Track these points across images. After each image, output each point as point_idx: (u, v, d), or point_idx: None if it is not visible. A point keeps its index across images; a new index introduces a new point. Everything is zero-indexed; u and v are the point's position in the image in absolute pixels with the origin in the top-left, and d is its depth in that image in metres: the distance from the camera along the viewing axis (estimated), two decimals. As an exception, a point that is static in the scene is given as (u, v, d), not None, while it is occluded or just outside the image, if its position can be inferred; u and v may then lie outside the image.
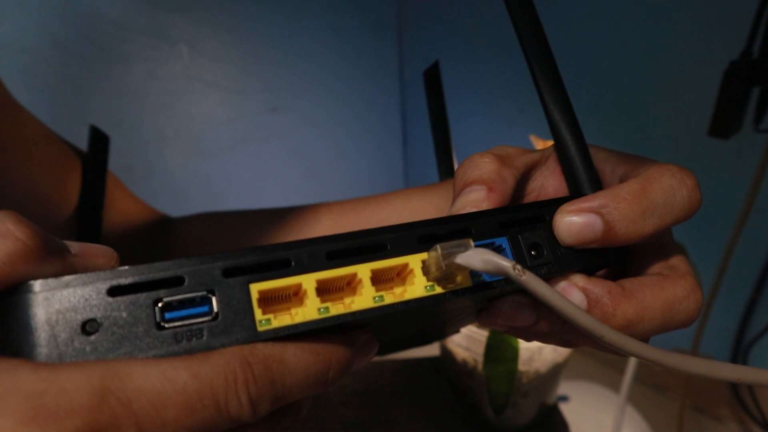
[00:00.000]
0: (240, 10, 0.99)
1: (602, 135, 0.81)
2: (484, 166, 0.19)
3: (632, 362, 0.60)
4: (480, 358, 0.49)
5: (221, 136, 1.05)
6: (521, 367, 0.49)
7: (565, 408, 0.62)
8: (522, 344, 0.47)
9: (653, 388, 0.94)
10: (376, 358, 0.55)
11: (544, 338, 0.21)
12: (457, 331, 0.35)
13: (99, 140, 0.39)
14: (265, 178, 1.13)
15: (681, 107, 0.73)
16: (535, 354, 0.48)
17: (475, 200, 0.19)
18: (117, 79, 0.90)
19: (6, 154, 0.33)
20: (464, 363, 0.52)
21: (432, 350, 0.60)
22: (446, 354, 0.54)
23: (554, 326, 0.19)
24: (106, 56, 0.88)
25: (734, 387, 0.83)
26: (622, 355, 0.18)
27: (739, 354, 0.82)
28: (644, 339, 0.19)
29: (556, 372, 0.52)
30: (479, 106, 1.07)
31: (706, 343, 0.78)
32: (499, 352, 0.47)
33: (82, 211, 0.37)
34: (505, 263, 0.15)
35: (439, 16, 1.10)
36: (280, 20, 1.04)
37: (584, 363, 0.97)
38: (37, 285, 0.13)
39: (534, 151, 0.22)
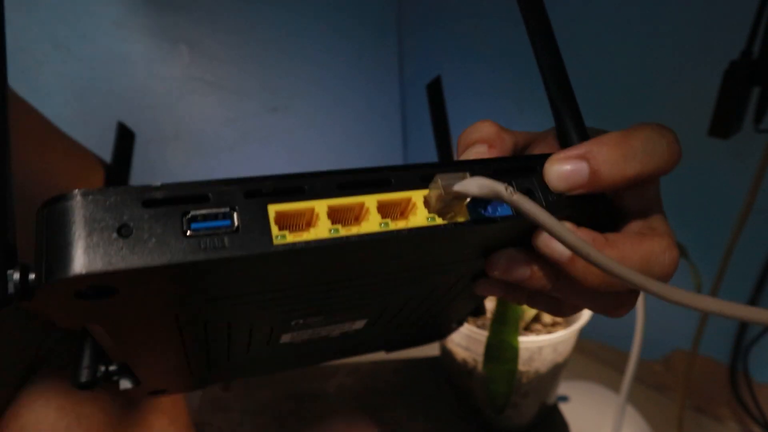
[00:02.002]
0: (240, 10, 0.99)
1: (602, 135, 0.81)
2: (484, 128, 0.22)
3: (632, 362, 0.60)
4: (480, 358, 0.49)
5: (221, 136, 1.05)
6: (521, 367, 0.49)
7: (565, 408, 0.62)
8: (522, 344, 0.47)
9: (653, 388, 0.94)
10: (377, 358, 0.55)
11: (538, 299, 0.23)
12: (461, 322, 0.36)
13: (125, 136, 0.40)
14: (265, 178, 1.13)
15: (681, 107, 0.73)
16: (535, 354, 0.49)
17: (476, 154, 0.21)
18: (117, 79, 0.90)
19: (20, 147, 0.33)
20: (464, 363, 0.52)
21: (432, 350, 0.60)
22: (446, 354, 0.54)
23: (548, 279, 0.20)
24: (106, 56, 0.88)
25: (734, 387, 0.83)
26: (608, 285, 0.19)
27: (739, 354, 0.82)
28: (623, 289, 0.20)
29: (556, 372, 0.52)
30: (479, 106, 1.07)
31: (706, 342, 0.78)
32: (499, 352, 0.47)
33: None
34: (499, 185, 0.16)
35: (439, 16, 1.10)
36: (280, 20, 1.04)
37: (584, 363, 0.97)
38: (81, 192, 0.14)
39: (534, 132, 0.24)
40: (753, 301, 0.77)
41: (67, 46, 0.84)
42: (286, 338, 0.26)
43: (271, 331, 0.24)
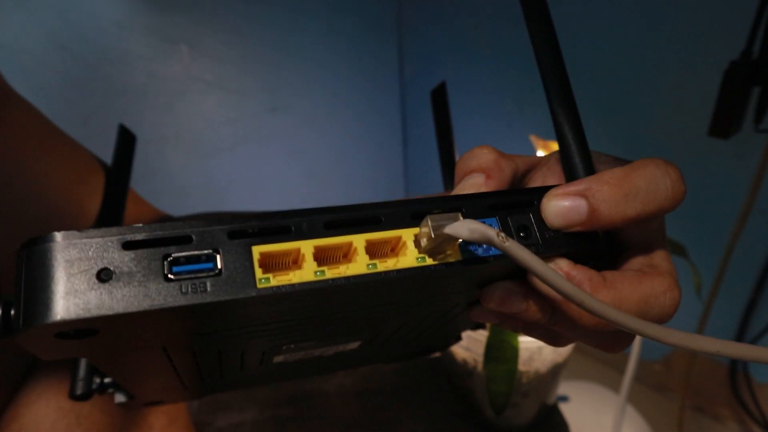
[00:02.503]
0: (240, 10, 0.99)
1: (602, 135, 0.81)
2: (483, 156, 0.21)
3: (632, 362, 0.60)
4: (480, 358, 0.49)
5: (221, 136, 1.05)
6: (521, 367, 0.49)
7: (565, 408, 0.62)
8: (522, 344, 0.47)
9: (653, 388, 0.94)
10: (376, 358, 0.55)
11: (533, 329, 0.23)
12: (459, 338, 0.35)
13: (126, 139, 0.40)
14: (265, 178, 1.13)
15: (681, 107, 0.74)
16: (535, 354, 0.49)
17: (473, 185, 0.20)
18: (117, 79, 0.90)
19: (19, 147, 0.33)
20: (464, 363, 0.52)
21: (432, 350, 0.60)
22: (446, 354, 0.54)
23: (543, 314, 0.20)
24: (106, 56, 0.88)
25: (734, 387, 0.83)
26: (603, 326, 0.19)
27: (739, 354, 0.82)
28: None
29: (556, 372, 0.52)
30: (479, 106, 1.07)
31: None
32: (499, 352, 0.47)
33: (105, 207, 0.37)
34: (490, 231, 0.16)
35: (439, 16, 1.10)
36: (280, 20, 1.04)
37: (584, 363, 0.98)
38: (61, 235, 0.14)
39: (536, 156, 0.23)
40: (753, 301, 0.78)
41: (67, 46, 0.84)
42: (279, 359, 0.26)
43: (263, 354, 0.24)
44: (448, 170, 0.38)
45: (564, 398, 0.75)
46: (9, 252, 0.17)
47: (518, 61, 0.95)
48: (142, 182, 0.93)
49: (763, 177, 0.62)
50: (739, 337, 0.80)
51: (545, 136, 0.57)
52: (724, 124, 0.59)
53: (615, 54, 0.80)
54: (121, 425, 0.37)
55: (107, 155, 0.42)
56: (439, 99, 0.38)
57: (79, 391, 0.25)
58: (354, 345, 0.27)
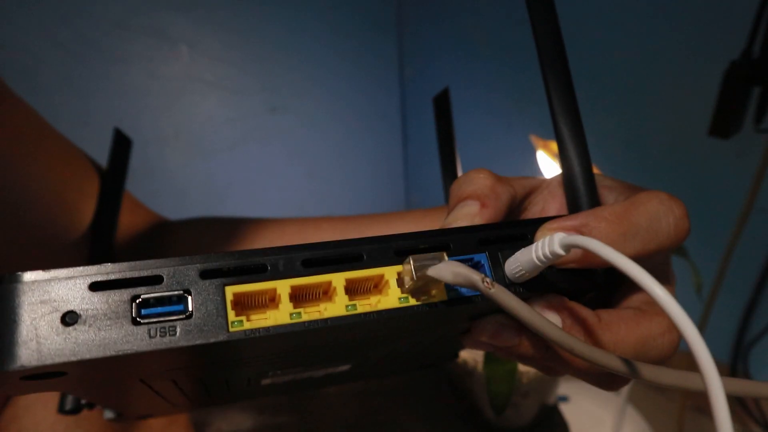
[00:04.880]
0: (240, 10, 0.99)
1: (602, 135, 0.81)
2: (478, 181, 0.19)
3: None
4: (480, 358, 0.49)
5: (221, 136, 1.05)
6: (521, 367, 0.49)
7: (565, 408, 0.62)
8: (522, 344, 0.47)
9: (653, 388, 0.94)
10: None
11: (528, 361, 0.21)
12: (456, 356, 0.35)
13: (122, 143, 0.40)
14: (265, 178, 1.13)
15: (681, 107, 0.73)
16: (535, 354, 0.49)
17: (467, 214, 0.19)
18: (117, 79, 0.90)
19: (12, 147, 0.32)
20: (464, 363, 0.52)
21: (432, 350, 0.60)
22: (446, 354, 0.54)
23: (537, 350, 0.19)
24: (106, 56, 0.88)
25: (734, 387, 0.84)
26: (595, 369, 0.18)
27: (739, 354, 0.82)
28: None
29: (556, 372, 0.52)
30: (479, 105, 1.07)
31: (706, 342, 0.78)
32: (499, 353, 0.47)
33: (100, 213, 0.37)
34: (475, 276, 0.15)
35: (439, 15, 1.10)
36: (280, 20, 1.04)
37: (584, 363, 0.97)
38: (25, 276, 0.14)
39: (536, 177, 0.22)
40: (753, 302, 0.77)
41: (67, 46, 0.84)
42: (266, 381, 0.25)
43: (248, 380, 0.23)
44: (449, 178, 0.37)
45: (564, 398, 0.75)
46: (1, 258, 0.16)
47: (519, 60, 0.95)
48: (141, 183, 0.93)
49: (763, 177, 0.62)
50: (740, 337, 0.80)
51: (545, 136, 0.57)
52: (724, 123, 0.59)
53: (615, 54, 0.80)
54: (121, 427, 0.37)
55: (107, 156, 0.42)
56: (442, 105, 0.37)
57: (68, 407, 0.24)
58: (344, 368, 0.26)
